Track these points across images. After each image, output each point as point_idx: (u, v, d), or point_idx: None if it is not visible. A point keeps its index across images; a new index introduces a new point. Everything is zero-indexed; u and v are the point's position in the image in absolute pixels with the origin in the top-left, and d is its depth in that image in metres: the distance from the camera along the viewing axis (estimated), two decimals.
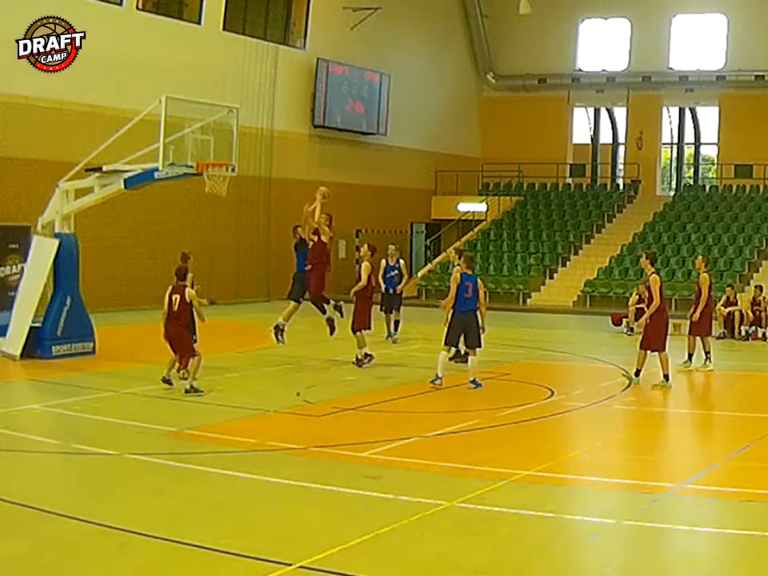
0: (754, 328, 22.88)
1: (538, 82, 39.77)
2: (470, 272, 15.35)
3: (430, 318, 21.29)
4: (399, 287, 20.84)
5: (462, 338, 15.32)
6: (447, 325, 15.24)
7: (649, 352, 15.14)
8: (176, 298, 14.30)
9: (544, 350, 20.86)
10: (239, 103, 19.72)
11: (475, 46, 40.45)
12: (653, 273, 15.11)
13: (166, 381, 14.52)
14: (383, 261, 21.00)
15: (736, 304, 22.97)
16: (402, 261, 21.46)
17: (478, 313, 15.21)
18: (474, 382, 14.88)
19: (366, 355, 17.04)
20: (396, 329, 20.86)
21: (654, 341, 15.02)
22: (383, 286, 20.80)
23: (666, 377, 15.04)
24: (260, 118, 30.85)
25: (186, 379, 14.38)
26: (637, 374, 15.31)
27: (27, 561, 7.26)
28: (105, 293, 24.76)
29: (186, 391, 14.06)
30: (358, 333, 17.11)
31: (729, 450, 11.24)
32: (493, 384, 15.97)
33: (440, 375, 14.81)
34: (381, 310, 20.75)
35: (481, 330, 15.16)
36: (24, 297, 17.85)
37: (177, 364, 14.75)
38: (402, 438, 11.37)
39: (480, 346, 15.13)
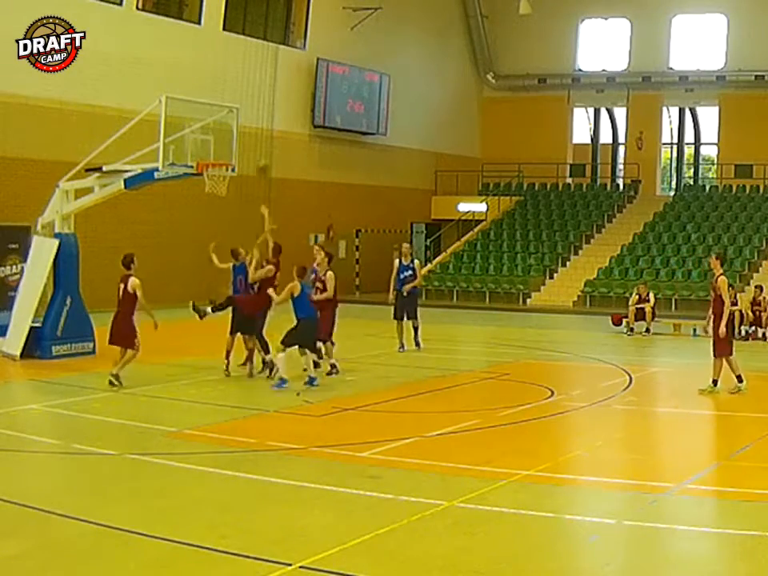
0: (754, 328, 22.88)
1: (538, 81, 39.78)
2: (300, 281, 15.00)
3: (429, 318, 21.24)
4: (406, 287, 19.00)
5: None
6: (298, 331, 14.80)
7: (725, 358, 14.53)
8: (120, 287, 14.88)
9: (544, 350, 20.87)
10: (239, 103, 19.72)
11: (475, 46, 40.46)
12: (721, 274, 14.60)
13: (113, 381, 14.29)
14: (396, 260, 19.58)
15: (736, 304, 22.96)
16: (417, 261, 19.88)
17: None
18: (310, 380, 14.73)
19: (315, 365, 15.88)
20: (417, 335, 19.28)
21: (724, 346, 14.45)
22: (393, 288, 19.17)
23: (739, 377, 14.52)
24: (260, 118, 30.84)
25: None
26: (714, 383, 14.59)
27: (27, 561, 7.25)
28: (105, 293, 24.70)
29: (110, 382, 14.16)
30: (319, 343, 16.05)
31: (729, 450, 11.24)
32: (493, 384, 16.00)
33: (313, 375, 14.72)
34: (394, 317, 19.29)
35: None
36: (24, 297, 17.86)
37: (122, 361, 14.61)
38: (401, 438, 11.37)
39: (313, 348, 15.27)
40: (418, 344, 19.32)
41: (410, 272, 19.25)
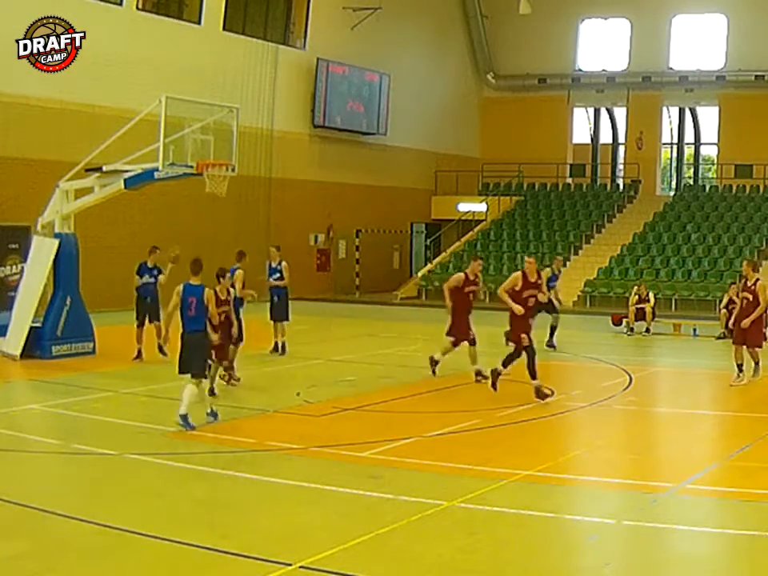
0: None
1: (538, 81, 39.76)
2: (196, 281, 11.82)
3: (430, 317, 21.25)
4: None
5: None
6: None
7: (745, 348, 15.59)
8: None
9: (544, 350, 20.81)
10: (239, 103, 19.71)
11: (475, 46, 40.45)
12: (757, 278, 15.75)
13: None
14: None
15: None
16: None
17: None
18: (212, 413, 12.08)
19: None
20: (554, 335, 20.37)
21: (756, 338, 15.63)
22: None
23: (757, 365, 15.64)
24: (260, 118, 30.85)
25: None
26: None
27: (27, 561, 7.26)
28: (105, 293, 24.74)
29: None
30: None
31: (729, 450, 11.24)
32: None
33: (209, 412, 12.11)
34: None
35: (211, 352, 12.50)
36: (24, 297, 17.85)
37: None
38: (402, 438, 11.37)
39: (202, 373, 11.93)
40: (552, 345, 20.13)
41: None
